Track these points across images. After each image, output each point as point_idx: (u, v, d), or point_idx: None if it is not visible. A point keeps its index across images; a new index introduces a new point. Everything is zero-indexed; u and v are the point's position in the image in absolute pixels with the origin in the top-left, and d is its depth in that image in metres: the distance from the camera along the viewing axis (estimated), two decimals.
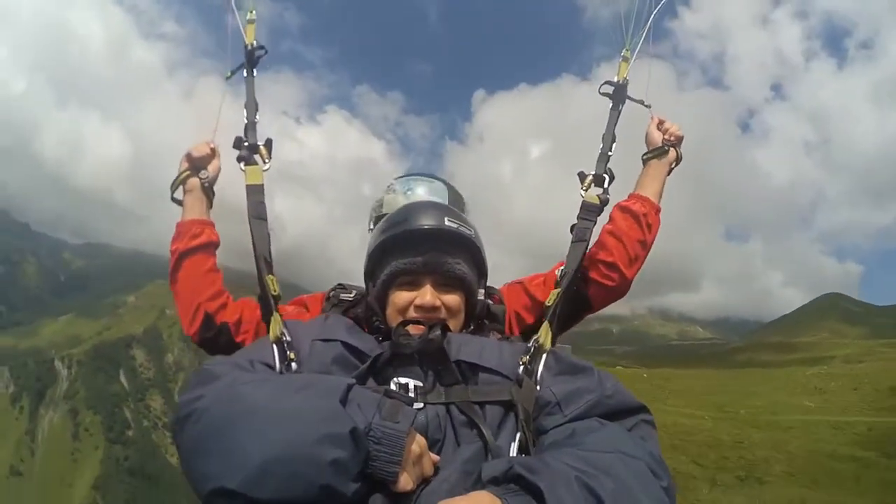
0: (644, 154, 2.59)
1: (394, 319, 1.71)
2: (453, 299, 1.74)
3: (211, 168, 2.35)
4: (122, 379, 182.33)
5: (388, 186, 2.53)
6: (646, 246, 2.37)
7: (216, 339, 2.20)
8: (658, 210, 2.44)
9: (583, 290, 2.26)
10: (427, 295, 1.69)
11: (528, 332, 2.12)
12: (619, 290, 2.32)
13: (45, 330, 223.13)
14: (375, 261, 1.82)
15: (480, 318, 1.89)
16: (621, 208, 2.40)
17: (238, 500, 1.13)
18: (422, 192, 2.47)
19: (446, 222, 1.74)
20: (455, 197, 2.52)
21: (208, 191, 2.35)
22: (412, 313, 1.70)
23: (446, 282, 1.74)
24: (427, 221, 1.73)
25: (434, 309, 1.69)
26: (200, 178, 2.32)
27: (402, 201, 2.34)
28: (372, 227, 2.45)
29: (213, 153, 2.37)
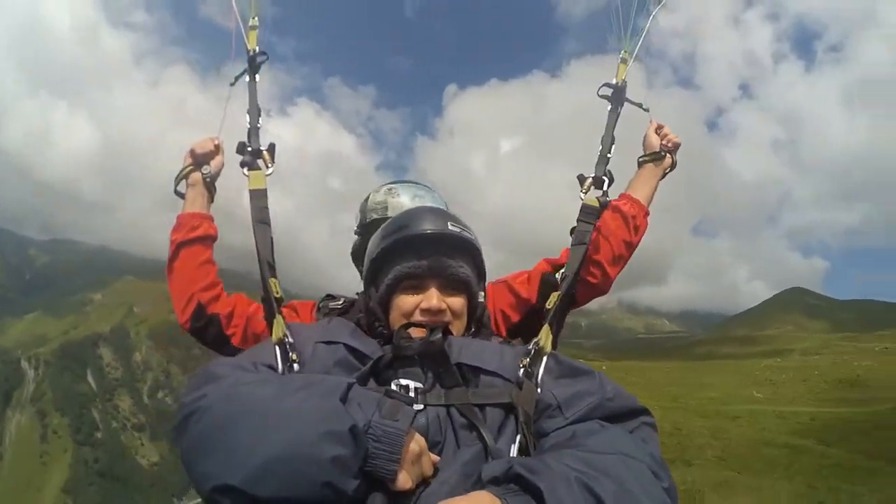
0: (640, 157, 2.62)
1: (398, 323, 1.71)
2: (457, 302, 1.76)
3: (213, 164, 2.41)
4: (90, 379, 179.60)
5: (390, 190, 2.53)
6: (631, 247, 2.41)
7: (206, 328, 2.24)
8: (647, 213, 2.48)
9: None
10: (433, 298, 1.70)
11: (514, 330, 2.22)
12: (601, 287, 2.35)
13: (10, 329, 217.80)
14: (378, 265, 1.82)
15: (480, 321, 1.91)
16: (611, 208, 2.42)
17: (240, 498, 1.15)
18: (427, 199, 2.51)
19: (450, 226, 1.76)
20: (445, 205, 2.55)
21: (210, 186, 2.40)
22: (417, 317, 1.70)
23: (450, 285, 1.76)
24: (431, 226, 1.75)
25: (440, 312, 1.71)
26: (202, 174, 2.38)
27: (408, 205, 2.38)
28: (359, 228, 2.56)
29: (217, 149, 2.43)
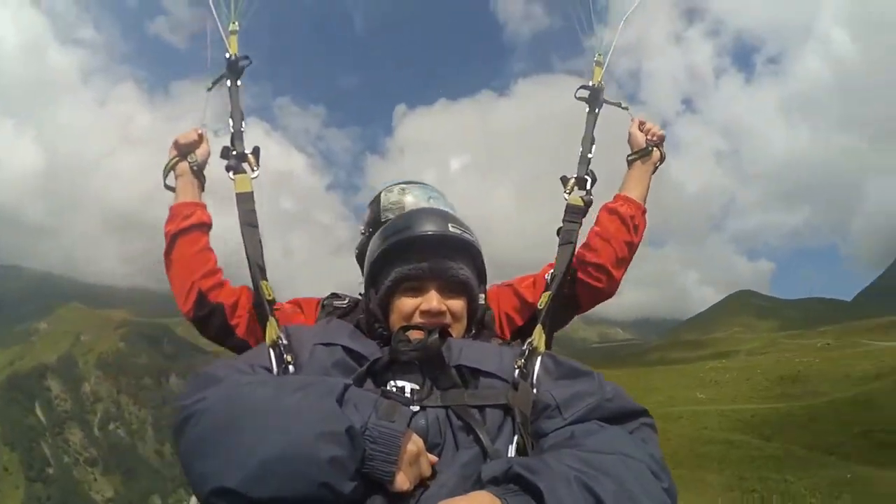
0: (629, 155, 2.60)
1: (398, 325, 1.70)
2: (457, 304, 1.76)
3: (199, 153, 2.40)
4: (38, 412, 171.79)
5: (403, 190, 2.48)
6: (633, 247, 2.40)
7: (210, 318, 2.21)
8: (644, 211, 2.47)
9: (572, 291, 2.29)
10: (433, 300, 1.70)
11: (518, 333, 2.19)
12: (608, 290, 2.35)
13: None
14: (378, 267, 1.81)
15: (480, 323, 1.90)
16: (608, 210, 2.42)
17: (238, 500, 1.14)
18: (441, 201, 2.48)
19: (450, 228, 1.76)
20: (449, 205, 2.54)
21: (198, 174, 2.39)
22: (417, 319, 1.70)
23: (450, 287, 1.75)
24: (432, 227, 1.75)
25: (439, 314, 1.70)
26: (189, 163, 2.37)
27: (423, 205, 2.34)
28: (370, 227, 2.46)
29: (201, 138, 2.43)
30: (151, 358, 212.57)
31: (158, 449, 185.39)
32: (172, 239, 2.29)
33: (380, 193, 2.52)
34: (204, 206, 2.38)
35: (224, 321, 2.19)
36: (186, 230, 2.28)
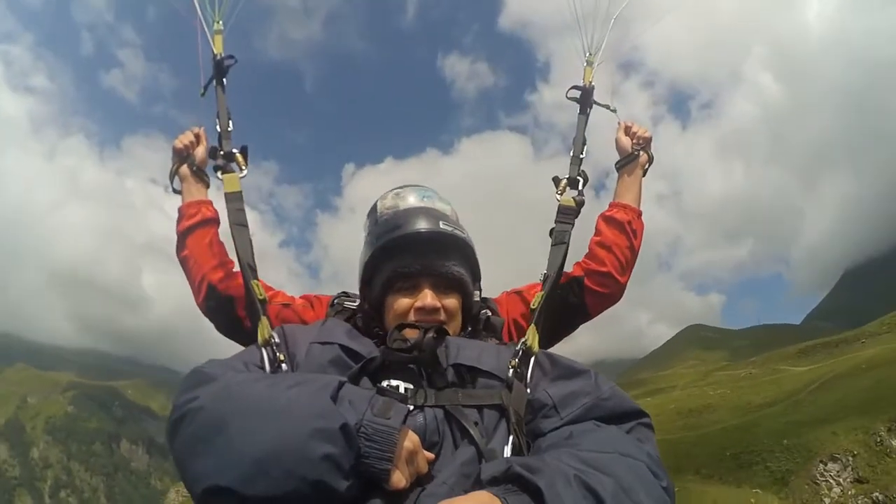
0: (617, 163, 2.63)
1: (393, 324, 1.67)
2: (451, 301, 1.76)
3: (198, 153, 2.47)
4: None
5: (398, 194, 2.45)
6: (634, 251, 2.44)
7: (221, 309, 2.24)
8: (640, 214, 2.52)
9: (580, 299, 2.33)
10: (427, 297, 1.70)
11: None
12: (615, 296, 2.39)
13: None
14: (371, 267, 1.81)
15: (478, 323, 1.91)
16: (605, 219, 2.48)
17: (232, 498, 1.13)
18: (436, 199, 2.45)
19: (441, 226, 1.76)
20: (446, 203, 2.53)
21: (200, 174, 2.45)
22: (412, 317, 1.69)
23: (444, 284, 1.75)
24: (423, 225, 1.74)
25: (434, 311, 1.70)
26: (189, 165, 2.44)
27: (417, 204, 2.30)
28: (366, 238, 2.41)
29: (199, 139, 2.49)
30: (101, 422, 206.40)
31: None
32: (182, 238, 2.36)
33: (376, 202, 2.52)
34: (209, 203, 2.43)
35: (234, 312, 2.21)
36: (194, 227, 2.35)
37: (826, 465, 27.11)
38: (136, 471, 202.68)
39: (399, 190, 2.47)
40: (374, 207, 2.44)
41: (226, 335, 2.31)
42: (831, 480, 26.43)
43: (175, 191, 2.47)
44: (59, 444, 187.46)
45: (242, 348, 1.99)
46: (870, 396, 31.40)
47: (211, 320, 2.33)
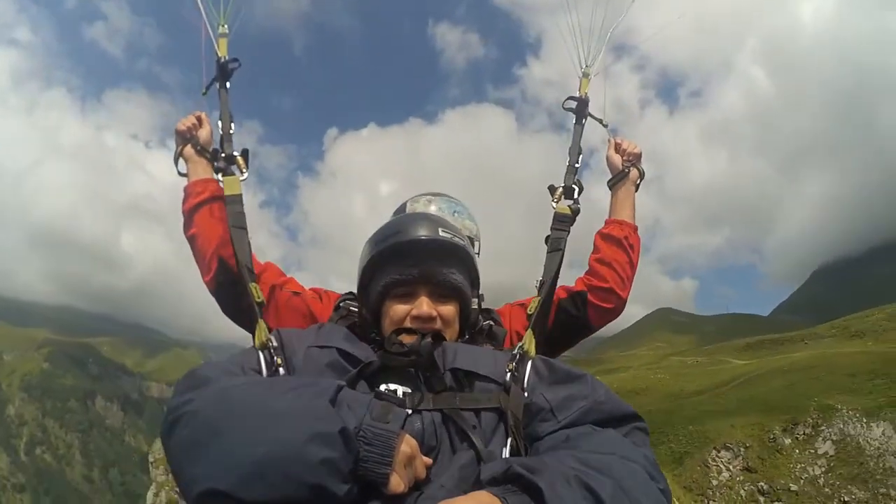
0: (609, 181, 2.69)
1: (389, 331, 1.67)
2: (448, 309, 1.74)
3: (202, 133, 2.50)
4: None
5: (430, 201, 2.51)
6: (633, 266, 2.51)
7: (231, 286, 2.16)
8: (636, 229, 2.58)
9: (582, 314, 2.38)
10: (423, 305, 1.68)
11: None
12: (617, 311, 2.45)
13: None
14: (369, 273, 1.79)
15: (477, 332, 1.90)
16: (603, 236, 2.55)
17: (228, 503, 1.11)
18: (465, 215, 2.54)
19: (440, 233, 1.73)
20: (471, 220, 2.57)
21: (203, 153, 2.45)
22: (409, 324, 1.68)
23: (441, 292, 1.73)
24: (422, 232, 1.72)
25: (430, 319, 1.68)
26: (193, 146, 2.45)
27: (419, 211, 2.40)
28: None
29: (201, 121, 2.51)
30: (77, 379, 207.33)
31: (87, 474, 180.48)
32: (189, 216, 2.34)
33: (405, 203, 2.54)
34: (215, 181, 2.38)
35: (244, 291, 2.04)
36: (201, 204, 2.33)
37: (719, 452, 29.16)
38: (110, 427, 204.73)
39: (431, 197, 2.53)
40: (403, 210, 2.51)
41: (232, 317, 2.25)
42: (722, 466, 28.70)
43: (180, 174, 2.48)
44: (35, 401, 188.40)
45: (235, 326, 2.13)
46: (775, 398, 33.12)
47: (218, 299, 2.28)
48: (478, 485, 1.22)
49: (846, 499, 25.31)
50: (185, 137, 2.49)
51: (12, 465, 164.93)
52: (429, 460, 1.33)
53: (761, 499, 27.08)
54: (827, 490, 26.25)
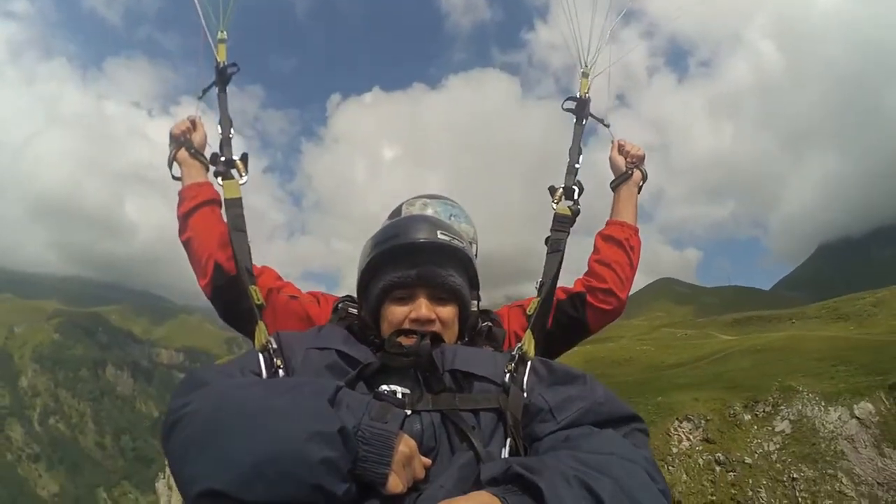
0: (611, 182, 2.69)
1: (388, 333, 1.67)
2: (447, 312, 1.73)
3: (195, 137, 2.51)
4: None
5: (426, 204, 2.51)
6: (633, 267, 2.51)
7: (229, 289, 2.15)
8: (637, 231, 2.57)
9: (581, 315, 2.38)
10: (422, 308, 1.68)
11: None
12: (616, 312, 2.44)
13: None
14: (368, 275, 1.79)
15: (476, 333, 1.89)
16: (604, 237, 2.55)
17: (227, 503, 1.11)
18: (462, 218, 2.52)
19: (439, 235, 1.73)
20: (468, 224, 2.55)
21: (197, 156, 2.47)
22: (407, 327, 1.67)
23: (440, 294, 1.73)
24: (420, 235, 1.71)
25: (429, 322, 1.68)
26: (187, 149, 2.47)
27: (417, 213, 2.37)
28: None
29: (195, 125, 2.53)
30: (87, 348, 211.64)
31: (99, 441, 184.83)
32: (184, 220, 2.35)
33: (401, 205, 2.54)
34: (210, 185, 2.41)
35: (241, 294, 2.02)
36: (196, 208, 2.34)
37: (681, 423, 30.72)
38: (121, 395, 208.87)
39: (427, 200, 2.53)
40: (398, 213, 2.50)
41: (231, 322, 2.26)
42: (682, 436, 30.28)
43: (174, 177, 2.49)
44: (47, 371, 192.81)
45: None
46: (742, 376, 34.48)
47: (216, 304, 2.29)
48: (477, 485, 1.24)
49: (795, 475, 27.26)
50: (179, 141, 2.52)
51: (27, 435, 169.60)
52: (428, 461, 1.34)
53: (717, 468, 28.80)
54: (778, 465, 28.15)
